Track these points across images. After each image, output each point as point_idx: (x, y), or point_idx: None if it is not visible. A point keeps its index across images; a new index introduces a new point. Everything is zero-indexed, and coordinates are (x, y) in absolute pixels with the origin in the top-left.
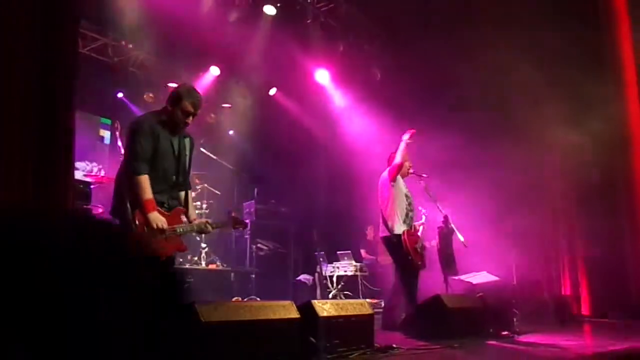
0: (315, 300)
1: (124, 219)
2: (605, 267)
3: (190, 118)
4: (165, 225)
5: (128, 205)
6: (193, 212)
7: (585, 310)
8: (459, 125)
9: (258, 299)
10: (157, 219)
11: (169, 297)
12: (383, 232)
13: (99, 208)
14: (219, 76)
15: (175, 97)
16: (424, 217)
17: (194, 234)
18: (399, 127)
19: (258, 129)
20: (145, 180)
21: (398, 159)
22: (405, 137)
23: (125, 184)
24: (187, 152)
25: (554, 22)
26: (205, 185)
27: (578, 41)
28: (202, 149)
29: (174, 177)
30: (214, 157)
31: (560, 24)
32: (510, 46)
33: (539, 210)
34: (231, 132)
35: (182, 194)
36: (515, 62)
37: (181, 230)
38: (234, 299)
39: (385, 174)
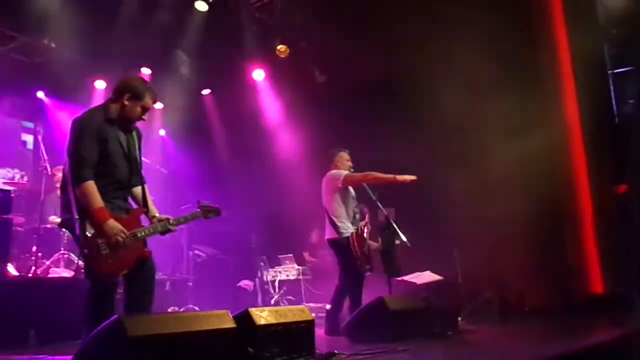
0: (253, 308)
1: (73, 231)
2: (548, 265)
3: (147, 114)
4: (124, 233)
5: (76, 215)
6: (154, 209)
7: (529, 307)
8: (400, 124)
9: (196, 308)
10: (114, 227)
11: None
12: (330, 234)
13: (21, 217)
14: (150, 76)
15: (135, 93)
16: (366, 215)
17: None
18: (340, 126)
19: (192, 130)
20: (91, 186)
21: (366, 179)
22: (402, 178)
23: (73, 192)
24: (137, 146)
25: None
26: None
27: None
28: None
29: (128, 178)
30: (146, 160)
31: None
32: (456, 41)
33: (482, 208)
34: (162, 133)
35: (138, 190)
36: (460, 56)
37: (142, 233)
38: (170, 309)
39: (334, 175)
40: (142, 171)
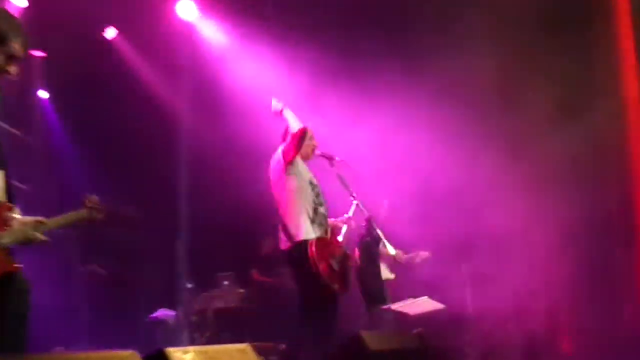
0: (172, 348)
1: None
2: (592, 292)
3: (15, 66)
4: None
5: None
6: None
7: (565, 348)
8: (400, 82)
9: (93, 347)
10: None
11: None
12: (283, 244)
13: None
14: (26, 10)
15: None
16: (352, 207)
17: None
18: (311, 80)
19: (88, 91)
20: None
21: (295, 126)
22: (277, 105)
23: None
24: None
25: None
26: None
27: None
28: None
29: None
30: (16, 132)
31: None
32: None
33: (505, 211)
34: (45, 95)
35: None
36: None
37: (7, 240)
38: (55, 350)
39: (277, 154)
40: (6, 150)
